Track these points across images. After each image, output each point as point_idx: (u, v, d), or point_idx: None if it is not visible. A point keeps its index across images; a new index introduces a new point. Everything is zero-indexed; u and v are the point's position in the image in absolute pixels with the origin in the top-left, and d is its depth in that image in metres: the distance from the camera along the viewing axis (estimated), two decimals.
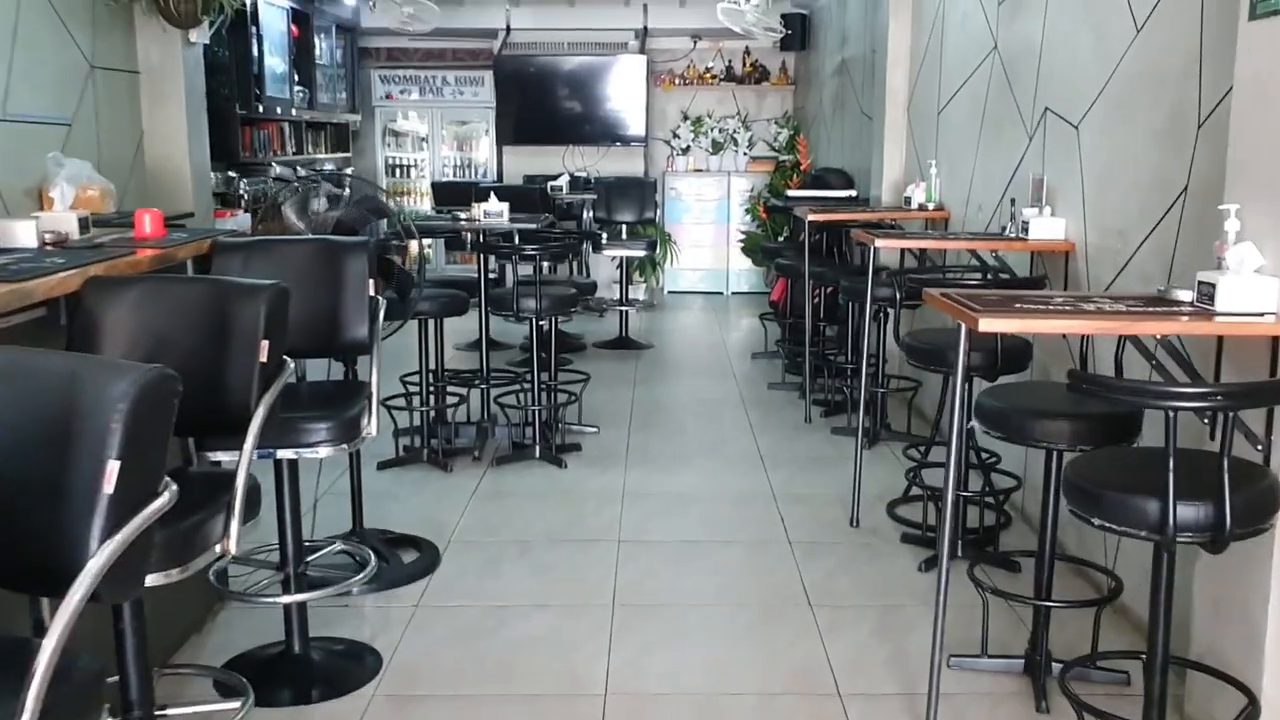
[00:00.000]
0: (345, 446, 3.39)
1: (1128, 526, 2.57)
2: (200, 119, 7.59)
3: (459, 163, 12.64)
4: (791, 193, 7.95)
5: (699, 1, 10.77)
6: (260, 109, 8.53)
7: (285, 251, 3.81)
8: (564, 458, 5.87)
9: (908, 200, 6.55)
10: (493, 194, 6.00)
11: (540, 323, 5.79)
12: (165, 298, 2.91)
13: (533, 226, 5.93)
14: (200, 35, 7.49)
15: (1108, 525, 2.61)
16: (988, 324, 2.71)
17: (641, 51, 11.39)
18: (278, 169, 8.84)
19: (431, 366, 6.08)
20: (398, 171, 12.60)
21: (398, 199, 12.32)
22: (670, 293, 12.00)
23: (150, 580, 2.28)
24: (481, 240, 5.93)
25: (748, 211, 11.57)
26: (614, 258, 9.19)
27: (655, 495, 5.40)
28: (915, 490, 4.96)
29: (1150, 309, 2.88)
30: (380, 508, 5.15)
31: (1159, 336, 3.37)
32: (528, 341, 6.06)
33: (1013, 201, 4.81)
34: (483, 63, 11.91)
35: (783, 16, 10.55)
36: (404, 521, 4.97)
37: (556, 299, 5.72)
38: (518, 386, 6.32)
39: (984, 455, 4.81)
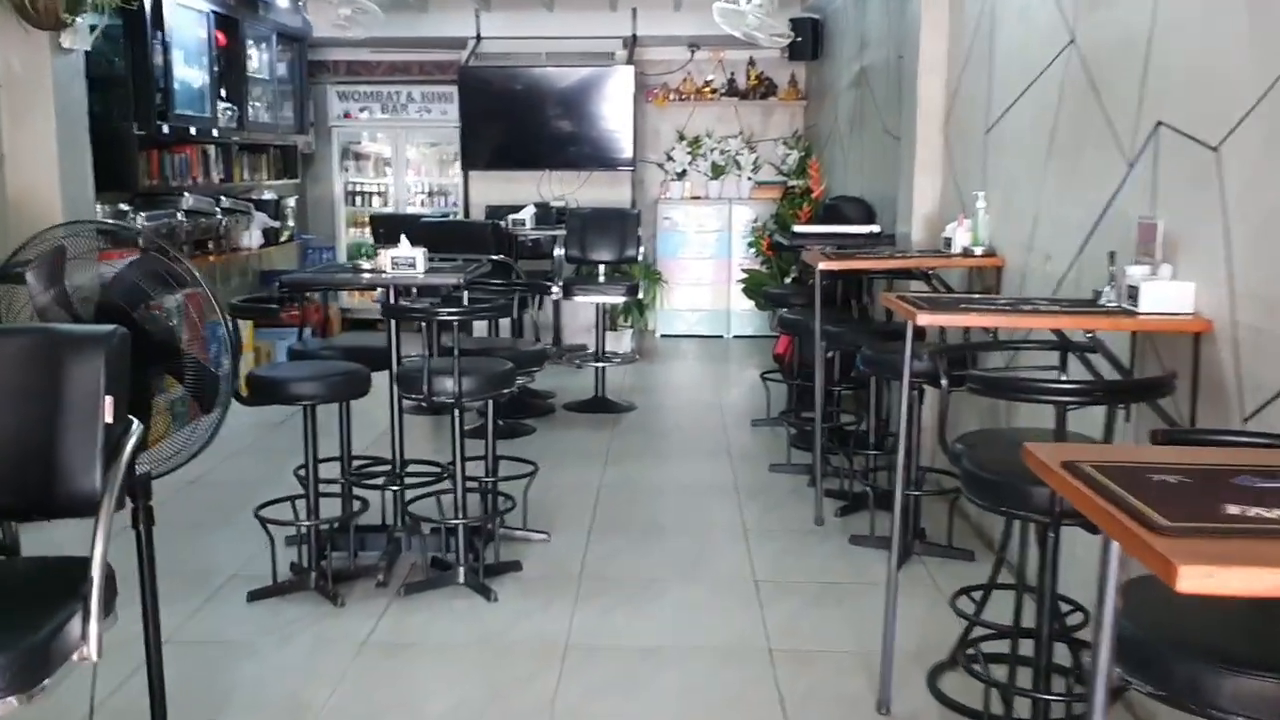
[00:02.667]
0: (14, 701, 1.96)
1: None
2: (78, 140, 6.22)
3: (429, 189, 11.26)
4: (800, 228, 6.54)
5: (696, 5, 9.39)
6: (166, 129, 7.14)
7: None
8: (495, 586, 4.43)
9: (947, 242, 5.12)
10: (404, 237, 4.57)
11: (461, 411, 4.35)
12: None
13: (451, 280, 4.48)
14: (77, 40, 6.11)
15: None
16: (1199, 580, 1.27)
17: (630, 62, 9.99)
18: (190, 200, 7.47)
19: (337, 455, 4.69)
20: (358, 199, 11.21)
21: (356, 230, 10.95)
22: (663, 336, 10.57)
23: None
24: (389, 301, 4.51)
25: (751, 245, 10.14)
26: (593, 304, 7.76)
27: (609, 650, 3.95)
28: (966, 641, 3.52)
29: None
30: (225, 673, 3.73)
31: None
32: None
33: (1112, 256, 3.37)
34: (453, 77, 10.52)
35: (791, 21, 9.17)
36: (251, 701, 3.54)
37: (487, 379, 4.29)
38: (446, 484, 4.88)
39: (1064, 609, 3.38)
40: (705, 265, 10.56)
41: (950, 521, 4.91)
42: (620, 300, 8.02)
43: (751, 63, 10.71)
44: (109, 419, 2.29)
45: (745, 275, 9.73)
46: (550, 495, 5.55)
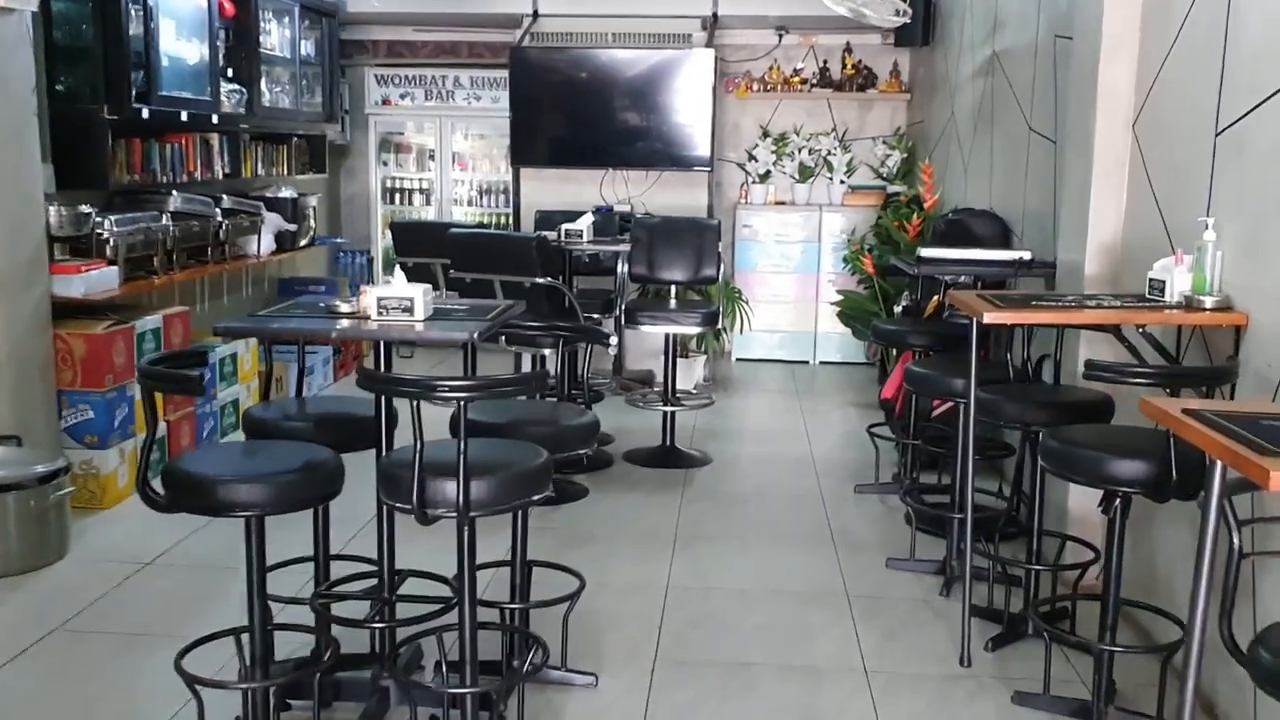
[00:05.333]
0: None
1: None
2: (22, 123, 4.99)
3: (481, 187, 9.96)
4: (927, 251, 5.13)
5: None
6: (146, 113, 5.87)
7: None
8: None
9: (1156, 286, 3.69)
10: (397, 268, 3.23)
11: (469, 526, 3.00)
12: None
13: (461, 335, 3.13)
14: None
15: None
16: None
17: (709, 45, 8.58)
18: (178, 200, 6.20)
19: (310, 553, 3.39)
20: (397, 197, 9.93)
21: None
22: (739, 360, 9.18)
23: None
24: (373, 364, 3.18)
25: (846, 260, 8.69)
26: (666, 334, 6.35)
27: None
28: None
29: None
30: None
31: None
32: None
33: None
34: (505, 60, 9.18)
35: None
36: None
37: (509, 480, 2.93)
38: (452, 615, 3.52)
39: None
40: (789, 280, 9.16)
41: (1161, 684, 3.46)
42: (695, 331, 6.66)
43: (848, 49, 9.26)
44: None
45: (841, 298, 8.30)
46: (601, 604, 4.21)
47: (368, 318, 3.18)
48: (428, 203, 9.90)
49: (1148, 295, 3.72)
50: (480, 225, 6.56)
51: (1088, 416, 3.79)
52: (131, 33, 5.78)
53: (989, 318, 3.50)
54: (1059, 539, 4.29)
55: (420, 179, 9.94)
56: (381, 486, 2.99)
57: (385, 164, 9.91)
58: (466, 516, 2.86)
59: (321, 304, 3.35)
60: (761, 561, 4.83)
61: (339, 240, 9.30)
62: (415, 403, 2.83)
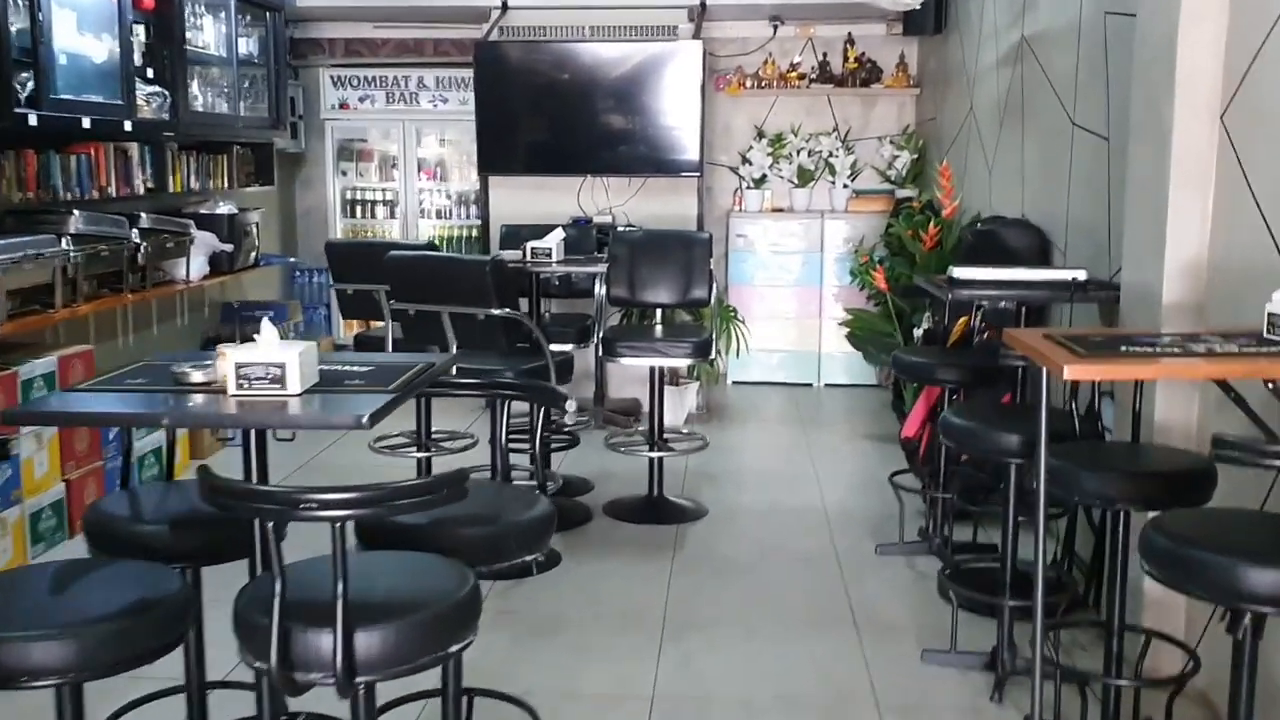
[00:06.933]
0: None
1: None
2: None
3: (454, 197, 9.11)
4: (962, 272, 4.27)
5: None
6: (34, 120, 4.99)
7: None
8: None
9: (1277, 323, 2.83)
10: (266, 323, 2.35)
11: (365, 691, 2.13)
12: None
13: (345, 420, 2.25)
14: None
15: None
16: None
17: (697, 38, 7.70)
18: (80, 221, 5.32)
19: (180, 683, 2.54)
20: (358, 209, 9.06)
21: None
22: (736, 383, 8.34)
23: None
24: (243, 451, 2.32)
25: (853, 274, 7.83)
26: (651, 367, 5.47)
27: None
28: None
29: None
30: None
31: None
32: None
33: None
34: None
35: None
36: None
37: (412, 629, 2.07)
38: None
39: None
40: (788, 294, 8.32)
41: None
42: (684, 363, 5.80)
43: (850, 40, 8.40)
44: None
45: (849, 317, 7.44)
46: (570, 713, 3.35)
47: (224, 390, 2.31)
48: (392, 215, 9.04)
49: (1266, 335, 2.86)
50: (429, 245, 5.64)
51: (1187, 491, 2.93)
52: (15, 27, 4.90)
53: (1071, 373, 2.61)
54: (1140, 634, 3.43)
55: (384, 189, 9.07)
56: (238, 636, 2.12)
57: (345, 174, 9.03)
58: (349, 687, 1.99)
59: (173, 369, 2.48)
60: (768, 655, 3.95)
61: (292, 260, 8.42)
62: (274, 525, 1.96)
